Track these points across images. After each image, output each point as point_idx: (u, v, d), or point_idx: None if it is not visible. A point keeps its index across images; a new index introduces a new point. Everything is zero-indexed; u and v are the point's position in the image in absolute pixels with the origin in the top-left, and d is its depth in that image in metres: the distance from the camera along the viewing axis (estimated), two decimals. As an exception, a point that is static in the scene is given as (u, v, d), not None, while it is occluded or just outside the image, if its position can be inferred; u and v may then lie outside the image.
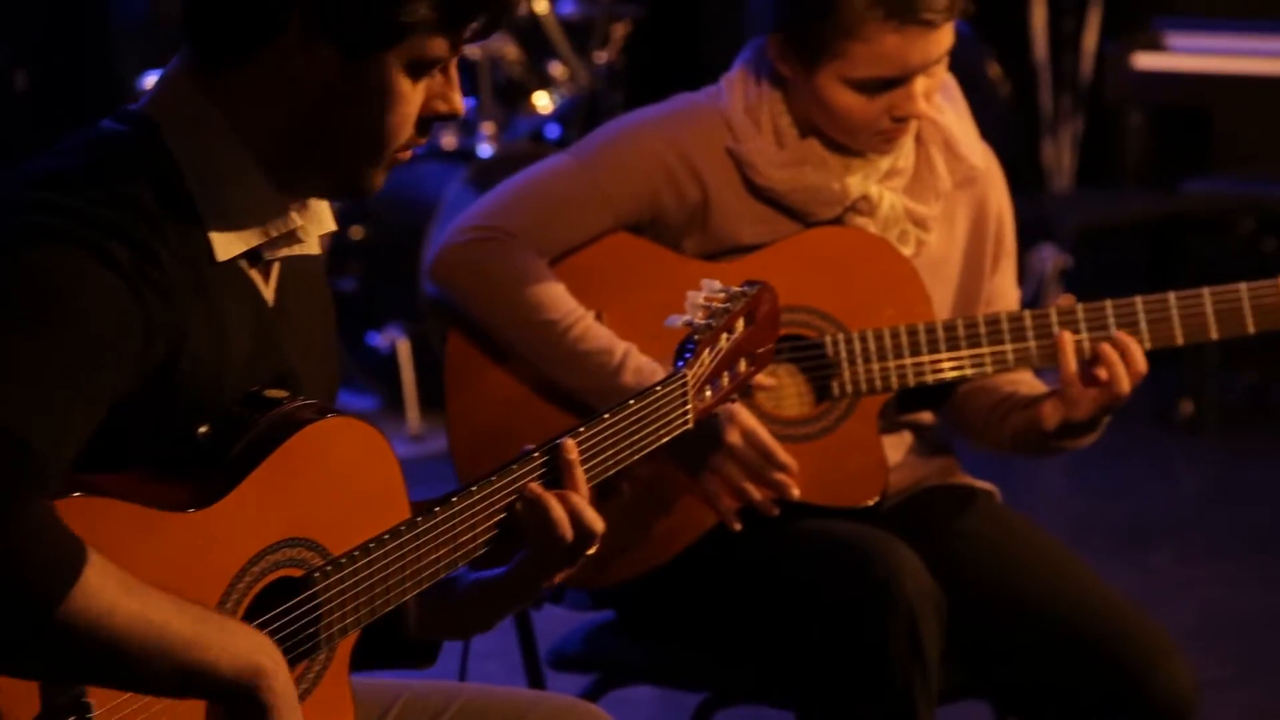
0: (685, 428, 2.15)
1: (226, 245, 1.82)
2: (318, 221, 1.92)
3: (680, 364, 2.15)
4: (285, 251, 1.88)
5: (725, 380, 2.23)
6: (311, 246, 1.92)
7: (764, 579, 2.57)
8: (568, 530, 1.96)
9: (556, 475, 1.98)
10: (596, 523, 1.97)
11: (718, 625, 2.62)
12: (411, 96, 1.83)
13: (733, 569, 2.59)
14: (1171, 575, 4.74)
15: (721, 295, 2.23)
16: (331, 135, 1.83)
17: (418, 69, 1.82)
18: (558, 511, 1.95)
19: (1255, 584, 4.66)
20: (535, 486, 1.96)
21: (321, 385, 1.95)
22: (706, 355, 2.18)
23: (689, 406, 2.14)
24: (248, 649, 1.69)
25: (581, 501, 1.97)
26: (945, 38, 2.54)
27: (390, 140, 1.84)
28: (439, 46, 1.82)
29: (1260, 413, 5.97)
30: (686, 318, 2.22)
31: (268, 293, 1.88)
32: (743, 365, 2.26)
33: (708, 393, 2.19)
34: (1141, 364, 2.54)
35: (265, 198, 1.84)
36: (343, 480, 1.85)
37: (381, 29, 1.79)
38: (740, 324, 2.23)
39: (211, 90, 1.82)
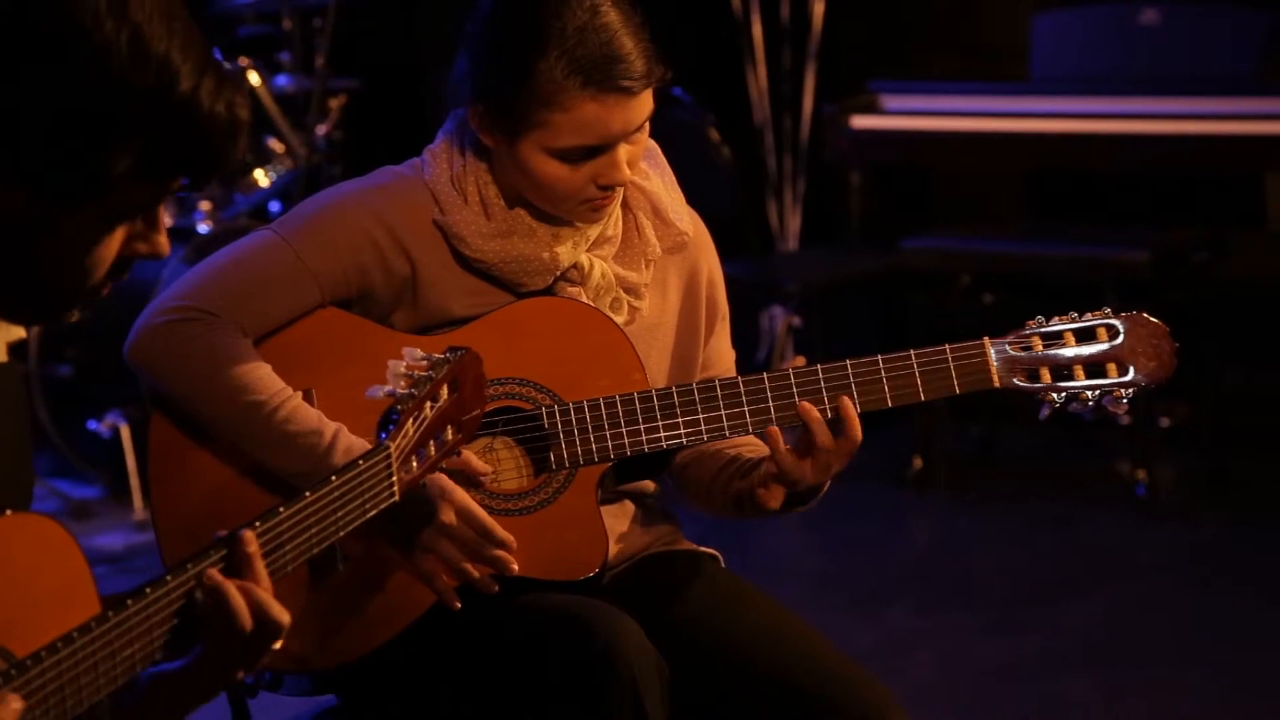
0: (391, 500, 2.11)
1: None
2: (4, 329, 1.85)
3: (384, 436, 2.11)
4: None
5: (432, 449, 2.19)
6: None
7: (485, 656, 2.53)
8: (247, 620, 1.90)
9: (236, 566, 1.92)
10: (281, 615, 1.92)
11: (441, 704, 2.56)
12: (109, 241, 1.77)
13: (453, 647, 2.54)
14: (909, 629, 4.79)
15: (424, 363, 2.19)
16: (24, 272, 1.76)
17: (118, 217, 1.76)
18: (236, 600, 1.89)
19: (989, 633, 4.72)
20: (215, 573, 1.90)
21: (12, 493, 1.87)
22: (410, 425, 2.14)
23: (394, 479, 2.10)
24: None
25: (263, 593, 1.91)
26: (645, 104, 2.54)
27: (83, 282, 1.78)
28: (142, 194, 1.76)
29: (988, 464, 6.08)
30: (389, 388, 2.17)
31: None
32: (450, 433, 2.22)
33: (414, 463, 2.15)
34: (856, 432, 2.54)
35: None
36: (22, 579, 1.77)
37: (80, 182, 1.71)
38: (445, 391, 2.19)
39: None
